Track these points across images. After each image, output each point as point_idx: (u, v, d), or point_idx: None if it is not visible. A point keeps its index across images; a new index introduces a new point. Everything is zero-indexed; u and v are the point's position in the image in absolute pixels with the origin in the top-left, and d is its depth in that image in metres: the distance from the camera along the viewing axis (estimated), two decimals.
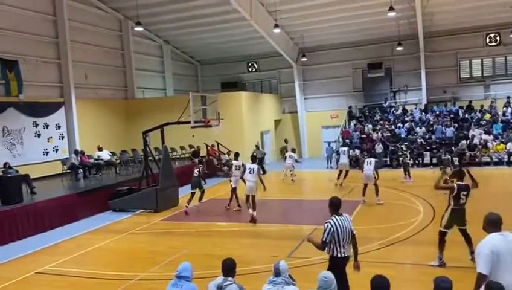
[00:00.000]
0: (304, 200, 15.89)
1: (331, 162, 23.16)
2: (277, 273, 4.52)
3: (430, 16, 22.71)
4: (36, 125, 18.34)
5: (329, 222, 5.61)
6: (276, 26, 21.21)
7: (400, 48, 24.71)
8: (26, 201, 12.71)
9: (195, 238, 11.05)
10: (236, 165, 13.56)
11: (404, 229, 10.40)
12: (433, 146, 21.46)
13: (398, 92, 27.04)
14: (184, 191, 17.00)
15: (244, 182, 12.66)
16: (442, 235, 8.02)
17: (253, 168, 12.21)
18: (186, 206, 13.62)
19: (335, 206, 5.76)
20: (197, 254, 9.45)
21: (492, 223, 4.47)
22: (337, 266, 5.60)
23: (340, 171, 17.21)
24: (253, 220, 11.89)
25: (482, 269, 4.17)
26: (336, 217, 5.67)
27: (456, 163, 15.71)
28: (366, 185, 13.80)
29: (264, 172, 14.68)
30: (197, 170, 13.96)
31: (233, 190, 13.67)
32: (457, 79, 26.00)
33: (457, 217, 7.94)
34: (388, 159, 21.81)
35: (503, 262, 4.15)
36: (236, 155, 14.24)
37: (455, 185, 7.95)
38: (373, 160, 14.26)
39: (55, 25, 19.49)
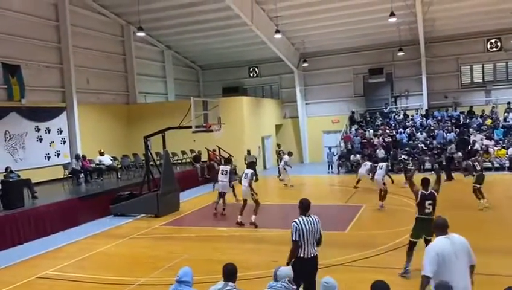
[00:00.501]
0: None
1: (331, 167, 23.18)
2: (277, 278, 4.53)
3: (431, 21, 22.78)
4: (38, 130, 18.40)
5: (296, 221, 5.78)
6: (277, 31, 21.32)
7: (401, 53, 24.77)
8: (28, 205, 12.74)
9: (196, 243, 11.05)
10: (222, 170, 13.68)
11: (405, 235, 10.31)
12: (435, 151, 21.45)
13: (399, 97, 27.09)
14: (185, 196, 17.07)
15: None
16: (410, 245, 7.77)
17: (247, 173, 12.39)
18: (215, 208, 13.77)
19: (304, 207, 5.95)
20: (198, 259, 9.44)
21: (439, 227, 4.72)
22: (302, 266, 5.67)
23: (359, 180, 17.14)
24: (239, 223, 12.11)
25: (426, 272, 4.40)
26: (303, 217, 5.83)
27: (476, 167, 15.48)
28: (380, 191, 13.73)
29: (256, 179, 14.46)
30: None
31: (220, 194, 13.87)
32: (459, 84, 26.03)
33: (423, 227, 7.49)
34: (389, 163, 21.75)
35: (448, 264, 4.36)
36: (227, 161, 14.59)
37: (419, 192, 7.64)
38: (384, 164, 14.43)
39: (58, 30, 19.59)
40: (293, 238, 5.74)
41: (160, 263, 9.30)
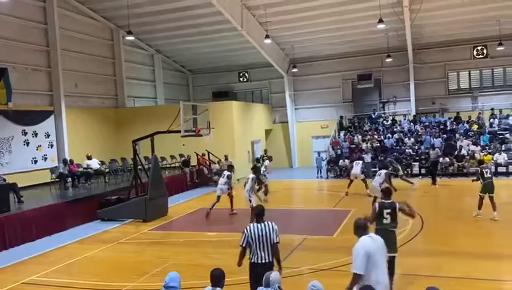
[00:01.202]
0: (293, 210, 15.91)
1: (320, 172, 23.26)
2: (267, 283, 4.54)
3: (418, 28, 23.07)
4: (25, 133, 18.19)
5: (246, 228, 5.89)
6: (267, 37, 21.43)
7: (389, 60, 25.04)
8: (13, 210, 12.57)
9: (184, 248, 11.00)
10: (224, 175, 14.37)
11: None
12: (422, 156, 21.66)
13: (387, 102, 27.35)
14: (174, 201, 17.00)
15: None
16: None
17: (248, 178, 12.87)
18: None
19: (257, 213, 6.03)
20: (186, 264, 9.41)
21: (361, 228, 5.11)
22: (254, 271, 5.75)
23: (351, 181, 17.03)
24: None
25: (358, 269, 4.76)
26: (255, 223, 5.91)
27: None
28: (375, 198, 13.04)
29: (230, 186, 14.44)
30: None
31: (218, 198, 14.20)
32: (446, 90, 26.38)
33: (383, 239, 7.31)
34: (377, 168, 21.91)
35: (373, 261, 4.74)
36: (230, 167, 15.06)
37: (376, 203, 7.37)
38: (383, 171, 13.90)
39: (46, 33, 19.42)
40: (240, 243, 5.88)
41: (147, 268, 9.24)
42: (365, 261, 4.76)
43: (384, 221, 6.93)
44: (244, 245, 5.85)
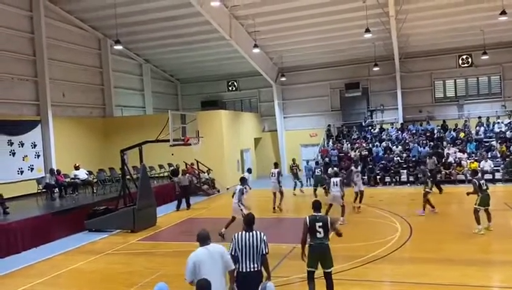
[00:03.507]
0: (282, 218, 15.89)
1: (309, 180, 23.25)
2: None
3: (405, 37, 23.40)
4: (11, 143, 17.96)
5: (234, 236, 5.84)
6: (255, 46, 21.56)
7: (376, 69, 25.33)
8: None
9: (172, 259, 10.89)
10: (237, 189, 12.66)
11: (381, 247, 10.49)
12: (410, 164, 21.84)
13: (375, 111, 27.59)
14: (163, 211, 16.87)
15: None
16: (308, 275, 6.90)
17: (236, 189, 12.43)
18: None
19: (246, 222, 6.00)
20: (174, 275, 9.28)
21: (201, 239, 5.44)
22: (241, 280, 5.68)
23: (357, 194, 15.55)
24: (221, 235, 11.84)
25: (186, 277, 5.27)
26: (244, 232, 5.86)
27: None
28: (330, 206, 13.37)
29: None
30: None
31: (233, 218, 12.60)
32: (432, 99, 26.72)
33: (316, 255, 6.75)
34: (366, 177, 22.05)
35: (205, 270, 5.10)
36: (242, 179, 13.11)
37: (306, 217, 6.85)
38: (338, 179, 13.57)
39: (33, 43, 19.29)
40: (230, 252, 5.76)
41: (136, 279, 9.14)
42: (193, 271, 5.17)
43: (318, 235, 6.70)
44: (234, 254, 5.75)
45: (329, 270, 6.77)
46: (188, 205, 17.87)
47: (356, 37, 22.75)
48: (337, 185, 13.46)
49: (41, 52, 19.30)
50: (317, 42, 24.49)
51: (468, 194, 11.88)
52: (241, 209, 12.08)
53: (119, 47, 20.22)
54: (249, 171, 18.46)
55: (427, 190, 14.03)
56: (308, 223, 6.73)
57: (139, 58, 27.34)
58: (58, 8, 20.61)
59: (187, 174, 18.86)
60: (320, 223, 6.71)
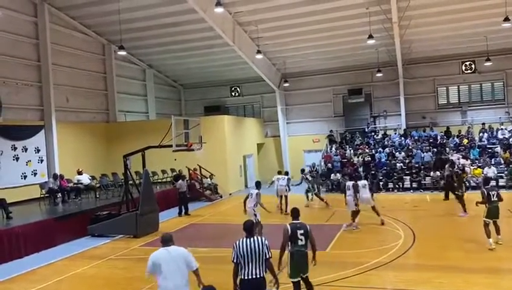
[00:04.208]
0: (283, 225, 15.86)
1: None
2: None
3: (408, 43, 23.42)
4: (15, 148, 18.04)
5: (235, 243, 5.78)
6: (258, 52, 21.64)
7: (379, 75, 25.33)
8: (1, 226, 12.39)
9: None
10: (251, 194, 12.42)
11: (384, 254, 10.45)
12: (413, 170, 21.78)
13: (378, 117, 27.56)
14: (165, 216, 16.85)
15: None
16: (294, 286, 6.83)
17: (252, 194, 12.20)
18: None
19: (245, 229, 5.94)
20: None
21: (163, 240, 5.86)
22: (245, 287, 5.67)
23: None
24: None
25: (146, 272, 5.81)
26: (244, 238, 5.80)
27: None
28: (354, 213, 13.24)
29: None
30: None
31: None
32: (435, 105, 26.68)
33: (298, 263, 6.74)
34: (369, 183, 21.97)
35: (165, 270, 5.53)
36: (257, 184, 12.86)
37: (287, 225, 6.81)
38: (351, 183, 13.34)
39: (38, 48, 19.43)
40: (232, 260, 5.76)
41: (138, 284, 9.11)
42: (152, 269, 5.68)
43: (299, 242, 6.69)
44: (236, 261, 5.72)
45: (306, 275, 6.88)
46: (185, 212, 17.70)
47: (359, 43, 22.79)
48: (350, 189, 13.30)
49: (46, 58, 19.43)
50: (320, 48, 24.54)
51: (477, 204, 11.03)
52: (255, 215, 11.97)
53: (123, 53, 20.33)
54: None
55: (460, 192, 14.75)
56: (289, 230, 6.69)
57: (142, 63, 27.45)
58: (62, 14, 20.75)
59: (186, 180, 18.82)
60: (302, 231, 6.71)
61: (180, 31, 22.35)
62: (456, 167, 19.20)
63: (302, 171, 19.95)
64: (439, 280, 8.48)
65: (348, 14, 20.44)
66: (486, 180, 11.76)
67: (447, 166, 19.52)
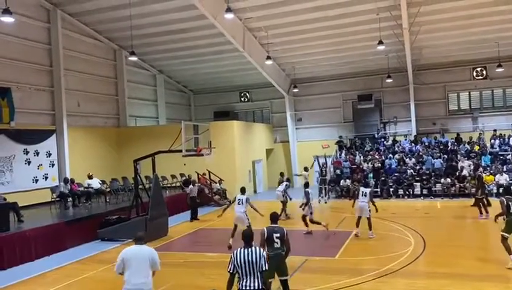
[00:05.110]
0: (294, 230, 15.79)
1: (322, 192, 23.10)
2: None
3: (418, 49, 23.33)
4: (26, 152, 18.24)
5: (233, 253, 5.70)
6: (268, 58, 21.70)
7: (389, 80, 25.23)
8: (13, 229, 12.50)
9: (183, 269, 10.89)
10: (238, 199, 12.84)
11: (395, 261, 10.37)
12: (423, 177, 21.61)
13: (388, 123, 27.42)
14: (174, 221, 16.89)
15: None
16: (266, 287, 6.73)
17: (241, 199, 12.49)
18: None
19: (245, 238, 5.89)
20: (185, 285, 9.32)
21: (136, 238, 6.42)
22: None
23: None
24: (230, 247, 12.01)
25: (115, 269, 6.28)
26: (243, 249, 5.68)
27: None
28: (359, 218, 13.11)
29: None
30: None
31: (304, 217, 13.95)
32: (446, 111, 26.49)
33: (274, 265, 6.91)
34: (379, 189, 21.90)
35: (133, 266, 6.06)
36: (242, 189, 13.13)
37: (264, 228, 7.22)
38: (368, 190, 13.06)
39: (50, 54, 19.68)
40: (227, 269, 5.64)
41: None
42: (121, 265, 6.14)
43: (275, 245, 7.02)
44: (231, 271, 5.59)
45: (285, 278, 7.06)
46: (194, 217, 17.68)
47: (369, 49, 22.76)
48: (365, 195, 12.91)
49: (58, 63, 19.68)
50: (330, 54, 24.55)
51: (496, 218, 10.01)
52: (248, 219, 12.20)
53: (134, 58, 20.50)
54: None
55: (479, 195, 15.51)
56: (266, 233, 7.08)
57: (153, 69, 27.67)
58: (75, 20, 21.01)
59: (196, 185, 18.88)
60: (278, 234, 7.05)
61: (190, 37, 22.50)
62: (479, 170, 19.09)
63: (306, 169, 19.99)
64: (450, 288, 8.38)
65: (358, 20, 20.44)
66: (508, 189, 10.25)
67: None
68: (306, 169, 19.96)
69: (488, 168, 21.68)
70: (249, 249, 5.65)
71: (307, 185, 14.61)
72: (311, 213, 13.58)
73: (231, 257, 5.63)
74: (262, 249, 5.82)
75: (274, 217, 7.34)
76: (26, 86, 18.45)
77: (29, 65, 18.72)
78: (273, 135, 30.06)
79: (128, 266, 6.05)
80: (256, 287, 5.54)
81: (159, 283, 9.46)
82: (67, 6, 19.93)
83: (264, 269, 5.65)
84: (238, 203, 12.51)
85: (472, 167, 19.35)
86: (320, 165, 22.00)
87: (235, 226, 12.47)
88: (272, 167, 28.73)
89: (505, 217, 9.61)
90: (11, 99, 17.40)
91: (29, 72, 18.71)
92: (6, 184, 16.89)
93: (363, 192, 13.05)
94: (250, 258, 5.55)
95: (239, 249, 5.72)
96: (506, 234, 9.53)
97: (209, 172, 22.13)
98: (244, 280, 5.55)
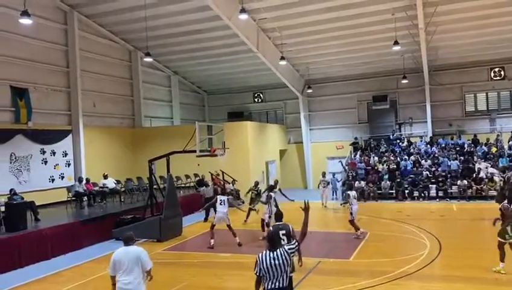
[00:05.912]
0: (308, 231, 15.75)
1: (336, 194, 23.01)
2: None
3: (434, 50, 23.04)
4: (43, 152, 18.51)
5: (258, 256, 5.59)
6: (282, 58, 21.66)
7: (404, 81, 24.95)
8: (30, 228, 12.70)
9: (197, 269, 10.92)
10: (220, 200, 13.30)
11: (410, 264, 10.25)
12: (439, 179, 21.33)
13: (403, 124, 27.14)
14: (188, 221, 16.97)
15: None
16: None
17: (223, 200, 13.01)
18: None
19: (269, 240, 5.79)
20: (198, 286, 9.34)
21: (124, 239, 6.73)
22: None
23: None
24: (239, 244, 12.74)
25: (109, 271, 6.49)
26: (268, 251, 5.57)
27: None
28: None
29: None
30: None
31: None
32: (463, 112, 26.10)
33: None
34: (394, 191, 21.69)
35: (123, 267, 6.34)
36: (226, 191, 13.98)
37: (270, 228, 7.42)
38: (352, 193, 13.64)
39: (67, 55, 19.94)
40: (254, 272, 5.56)
41: (161, 289, 9.18)
42: (113, 267, 6.41)
43: (282, 242, 6.88)
44: (258, 274, 5.54)
45: (290, 274, 6.68)
46: (206, 218, 17.63)
47: (384, 49, 22.56)
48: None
49: (75, 64, 19.93)
50: (344, 54, 24.39)
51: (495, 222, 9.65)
52: (228, 219, 13.00)
53: (149, 59, 20.68)
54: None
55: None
56: (272, 233, 6.87)
57: (168, 70, 27.85)
58: (91, 21, 21.26)
59: (210, 185, 18.92)
60: (284, 231, 7.09)
61: (204, 38, 22.58)
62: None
63: (324, 175, 19.95)
64: None
65: (373, 20, 20.26)
66: None
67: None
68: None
69: (506, 171, 21.26)
70: (275, 253, 5.56)
71: (270, 188, 14.46)
72: (269, 217, 13.32)
73: (257, 261, 5.56)
74: (287, 253, 5.62)
75: (279, 216, 7.45)
76: (43, 86, 18.73)
77: (46, 66, 18.99)
78: (286, 136, 29.99)
79: (120, 267, 6.34)
80: (281, 286, 5.52)
81: (173, 283, 9.52)
82: (83, 8, 20.18)
83: (290, 275, 5.67)
84: (220, 204, 12.93)
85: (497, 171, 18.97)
86: (346, 169, 21.73)
87: (213, 226, 13.09)
88: (285, 168, 28.68)
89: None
90: (29, 100, 17.71)
91: (46, 73, 18.99)
92: (23, 183, 17.15)
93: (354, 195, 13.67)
94: (276, 263, 5.49)
95: (264, 252, 5.61)
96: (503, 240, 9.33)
97: (223, 172, 22.17)
98: (270, 281, 5.51)
